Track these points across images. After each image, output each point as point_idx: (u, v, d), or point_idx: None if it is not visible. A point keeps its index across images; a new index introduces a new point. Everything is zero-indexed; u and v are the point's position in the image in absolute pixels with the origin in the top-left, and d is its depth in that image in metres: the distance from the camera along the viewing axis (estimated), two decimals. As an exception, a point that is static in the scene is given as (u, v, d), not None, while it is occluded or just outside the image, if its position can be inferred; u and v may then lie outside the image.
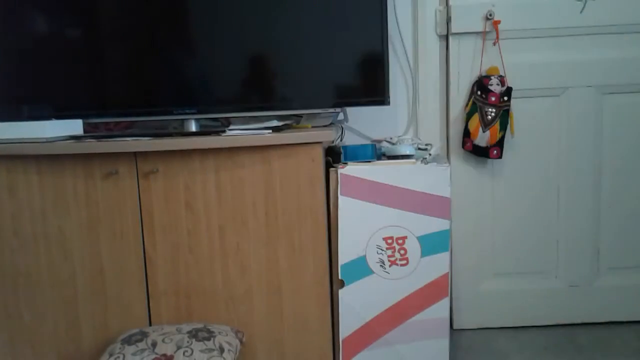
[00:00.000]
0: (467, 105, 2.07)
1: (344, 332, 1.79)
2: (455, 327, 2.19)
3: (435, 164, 1.79)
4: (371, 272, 1.77)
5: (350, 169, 1.75)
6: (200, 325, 1.64)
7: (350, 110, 2.10)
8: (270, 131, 1.71)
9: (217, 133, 1.71)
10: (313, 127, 1.84)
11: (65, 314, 1.76)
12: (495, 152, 2.03)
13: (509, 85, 2.03)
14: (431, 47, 2.11)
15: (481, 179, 2.14)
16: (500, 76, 2.03)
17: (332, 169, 1.77)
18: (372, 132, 2.11)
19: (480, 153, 2.05)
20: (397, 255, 1.77)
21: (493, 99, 2.01)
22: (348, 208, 1.75)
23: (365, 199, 1.75)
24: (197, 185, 1.70)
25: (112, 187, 1.70)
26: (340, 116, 2.08)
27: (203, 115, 1.85)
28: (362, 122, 2.11)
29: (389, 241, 1.76)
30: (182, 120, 1.87)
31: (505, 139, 2.03)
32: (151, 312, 1.74)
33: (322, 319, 1.75)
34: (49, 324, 1.76)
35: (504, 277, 2.18)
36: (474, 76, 2.08)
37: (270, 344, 1.76)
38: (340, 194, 1.75)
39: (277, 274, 1.73)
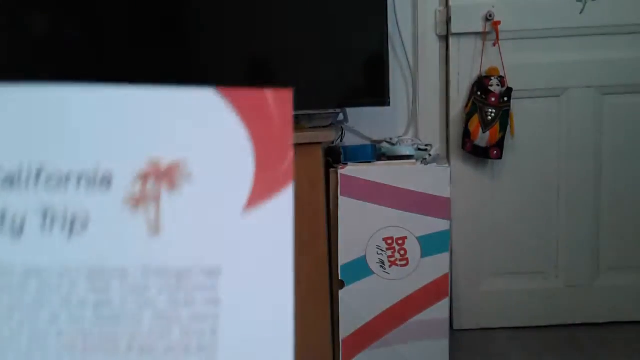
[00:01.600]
0: (467, 105, 2.07)
1: (344, 332, 1.79)
2: (455, 327, 2.19)
3: (435, 164, 1.79)
4: (371, 272, 1.77)
5: (350, 170, 1.76)
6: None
7: (350, 110, 2.10)
8: (271, 132, 1.71)
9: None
10: (313, 127, 1.84)
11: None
12: (495, 152, 2.03)
13: (509, 85, 2.03)
14: (431, 47, 2.12)
15: (481, 179, 2.14)
16: (501, 77, 2.03)
17: (332, 169, 1.77)
18: (372, 132, 2.12)
19: (480, 154, 2.05)
20: (397, 255, 1.77)
21: (493, 99, 2.01)
22: (348, 208, 1.75)
23: (365, 200, 1.75)
24: (197, 185, 1.70)
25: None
26: (340, 117, 2.08)
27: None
28: (362, 122, 2.11)
29: (389, 242, 1.77)
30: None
31: (505, 140, 2.04)
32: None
33: (322, 319, 1.76)
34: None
35: (504, 277, 2.18)
36: (474, 76, 2.08)
37: (270, 344, 1.76)
38: (340, 195, 1.75)
39: (277, 274, 1.73)
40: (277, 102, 0.34)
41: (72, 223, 0.31)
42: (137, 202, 0.31)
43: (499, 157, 2.03)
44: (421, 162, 1.80)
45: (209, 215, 0.32)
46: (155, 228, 0.31)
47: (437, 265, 1.77)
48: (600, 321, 2.19)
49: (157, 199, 0.31)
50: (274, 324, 0.31)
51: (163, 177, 0.31)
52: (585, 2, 2.07)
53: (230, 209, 0.32)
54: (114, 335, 0.29)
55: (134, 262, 0.30)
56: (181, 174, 0.31)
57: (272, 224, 0.32)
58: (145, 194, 0.31)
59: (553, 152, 2.13)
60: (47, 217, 0.30)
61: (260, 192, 0.32)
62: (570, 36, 2.08)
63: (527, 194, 2.13)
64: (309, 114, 1.87)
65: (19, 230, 0.30)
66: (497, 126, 2.02)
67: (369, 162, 1.80)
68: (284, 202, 0.32)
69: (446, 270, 1.79)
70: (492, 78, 2.02)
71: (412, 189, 1.75)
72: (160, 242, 0.31)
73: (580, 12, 2.07)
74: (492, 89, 2.02)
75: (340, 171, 1.75)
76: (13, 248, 0.30)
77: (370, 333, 1.79)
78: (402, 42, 2.11)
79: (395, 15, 2.09)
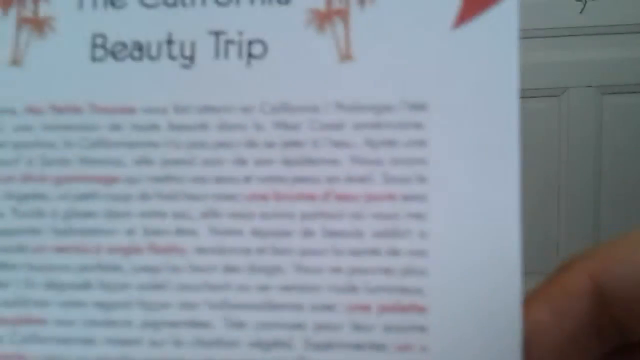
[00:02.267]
0: (467, 105, 2.07)
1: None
2: (455, 327, 2.18)
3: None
4: (371, 272, 1.77)
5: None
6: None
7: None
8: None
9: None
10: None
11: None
12: (495, 152, 2.02)
13: (509, 85, 2.03)
14: (431, 47, 2.11)
15: (481, 179, 2.13)
16: (500, 76, 2.02)
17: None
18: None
19: (480, 153, 2.05)
20: (397, 255, 1.76)
21: (493, 99, 2.01)
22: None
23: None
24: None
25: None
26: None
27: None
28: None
29: (389, 241, 1.76)
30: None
31: (505, 139, 2.03)
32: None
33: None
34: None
35: (504, 278, 2.17)
36: (473, 76, 2.07)
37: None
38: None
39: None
40: None
41: (250, 47, 0.26)
42: (322, 19, 0.26)
43: (499, 157, 2.02)
44: (421, 161, 1.80)
45: (410, 36, 0.26)
46: (346, 53, 0.26)
47: (437, 265, 1.76)
48: (600, 321, 2.18)
49: (346, 16, 0.26)
50: (495, 169, 0.26)
51: None
52: (585, 2, 2.06)
53: (437, 26, 0.26)
54: (306, 181, 0.26)
55: (324, 96, 0.26)
56: None
57: (489, 43, 0.26)
58: (332, 9, 0.26)
59: (553, 152, 2.12)
60: (219, 40, 0.26)
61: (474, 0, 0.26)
62: (570, 36, 2.08)
63: (527, 194, 2.11)
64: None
65: (190, 59, 0.26)
66: (497, 126, 2.01)
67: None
68: (505, 14, 0.25)
69: (446, 270, 1.78)
70: (492, 78, 2.01)
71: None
72: (353, 71, 0.26)
73: (581, 12, 2.07)
74: (492, 88, 2.01)
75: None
76: (186, 82, 0.26)
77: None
78: (402, 41, 2.10)
79: (395, 15, 2.08)
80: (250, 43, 0.26)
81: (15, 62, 0.26)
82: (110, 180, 0.26)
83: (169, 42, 0.26)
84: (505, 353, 0.25)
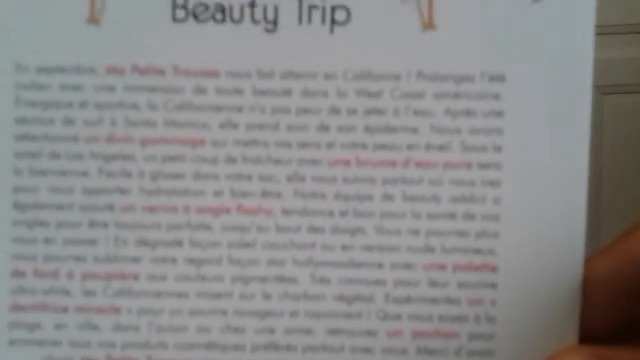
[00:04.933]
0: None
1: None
2: (457, 327, 2.18)
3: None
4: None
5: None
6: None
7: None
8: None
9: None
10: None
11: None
12: (497, 151, 2.02)
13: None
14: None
15: (482, 178, 2.13)
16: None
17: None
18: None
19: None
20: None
21: (495, 98, 2.01)
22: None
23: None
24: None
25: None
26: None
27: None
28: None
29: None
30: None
31: (507, 139, 2.03)
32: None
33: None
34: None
35: (505, 277, 2.17)
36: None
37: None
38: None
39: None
40: None
41: (333, 12, 0.26)
42: None
43: (501, 156, 2.02)
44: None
45: (491, 7, 0.27)
46: (428, 22, 0.27)
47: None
48: (601, 321, 2.18)
49: None
50: (566, 140, 0.28)
51: None
52: (586, 3, 2.07)
53: None
54: (387, 148, 0.27)
55: (406, 65, 0.27)
56: None
57: (567, 18, 0.27)
58: None
59: (554, 151, 2.12)
60: (303, 4, 0.26)
61: None
62: (571, 36, 2.08)
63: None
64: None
65: (273, 24, 0.27)
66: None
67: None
68: None
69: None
70: (494, 77, 2.02)
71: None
72: (435, 41, 0.27)
73: (581, 13, 2.07)
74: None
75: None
76: (269, 47, 0.27)
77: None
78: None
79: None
80: (333, 9, 0.26)
81: (93, 19, 0.26)
82: (196, 143, 0.27)
83: (252, 4, 0.26)
84: (566, 305, 0.27)
